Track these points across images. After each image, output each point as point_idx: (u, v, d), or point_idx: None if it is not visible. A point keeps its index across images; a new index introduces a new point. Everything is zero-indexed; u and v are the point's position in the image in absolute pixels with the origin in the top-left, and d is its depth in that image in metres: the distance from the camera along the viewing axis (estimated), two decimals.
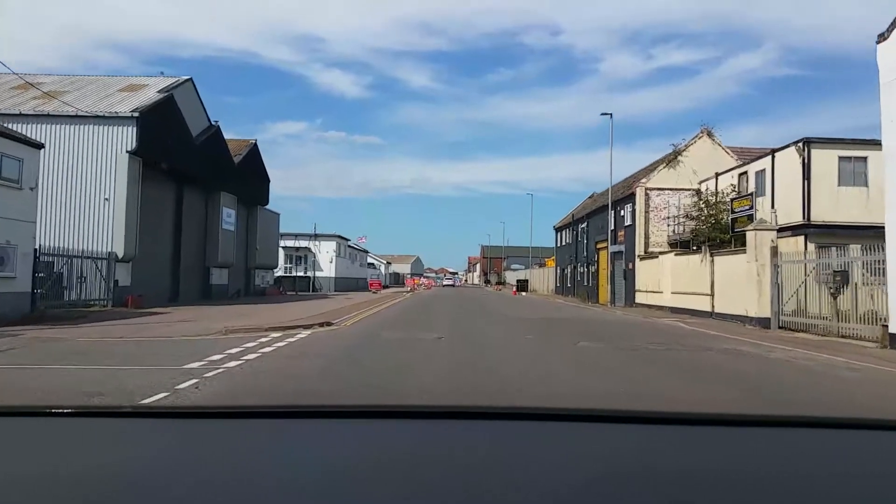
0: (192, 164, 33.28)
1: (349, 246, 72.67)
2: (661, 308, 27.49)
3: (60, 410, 1.65)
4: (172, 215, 33.34)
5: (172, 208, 33.43)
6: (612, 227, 34.91)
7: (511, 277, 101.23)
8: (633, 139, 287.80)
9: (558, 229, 54.73)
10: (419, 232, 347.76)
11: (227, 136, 38.97)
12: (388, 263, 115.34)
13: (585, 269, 42.70)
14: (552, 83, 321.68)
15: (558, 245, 54.61)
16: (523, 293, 60.62)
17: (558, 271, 54.09)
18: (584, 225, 43.30)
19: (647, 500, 1.10)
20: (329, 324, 17.57)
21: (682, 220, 29.92)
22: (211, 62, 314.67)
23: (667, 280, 27.24)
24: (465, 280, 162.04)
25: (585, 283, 42.61)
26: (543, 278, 63.36)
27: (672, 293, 26.57)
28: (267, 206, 47.70)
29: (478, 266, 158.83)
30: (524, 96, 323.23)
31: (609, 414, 1.62)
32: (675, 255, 26.66)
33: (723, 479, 1.21)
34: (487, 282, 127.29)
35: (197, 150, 33.69)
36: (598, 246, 39.43)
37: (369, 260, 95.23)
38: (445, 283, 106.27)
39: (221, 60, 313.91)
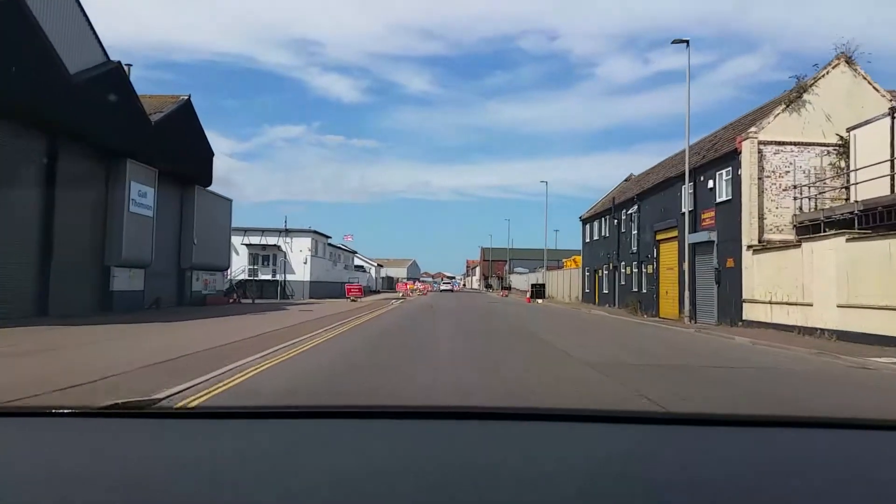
0: (68, 110, 22.18)
1: (330, 245, 61.40)
2: (809, 331, 16.35)
3: (61, 411, 1.65)
4: (38, 186, 22.16)
5: (38, 175, 22.26)
6: (691, 207, 23.80)
7: (517, 281, 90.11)
8: (631, 143, 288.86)
9: (586, 221, 43.45)
10: (416, 236, 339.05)
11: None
12: (380, 266, 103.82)
13: (636, 270, 31.53)
14: (550, 87, 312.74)
15: (587, 241, 43.32)
16: (539, 301, 49.40)
17: (587, 274, 42.82)
18: (632, 209, 32.09)
19: (648, 500, 1.09)
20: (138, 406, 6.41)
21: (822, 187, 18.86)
22: (209, 67, 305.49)
23: (826, 284, 16.09)
24: (464, 284, 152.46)
25: (635, 289, 31.43)
26: (563, 283, 52.04)
27: (840, 307, 15.42)
28: (212, 189, 36.54)
29: (477, 269, 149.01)
30: (522, 100, 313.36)
31: (610, 414, 1.63)
32: (849, 239, 15.47)
33: (725, 479, 1.20)
34: (488, 286, 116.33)
35: (78, 91, 22.54)
36: (660, 237, 28.30)
37: (357, 262, 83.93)
38: (443, 287, 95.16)
39: (219, 65, 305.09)
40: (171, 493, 1.12)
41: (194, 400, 6.72)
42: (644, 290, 29.97)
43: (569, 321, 25.39)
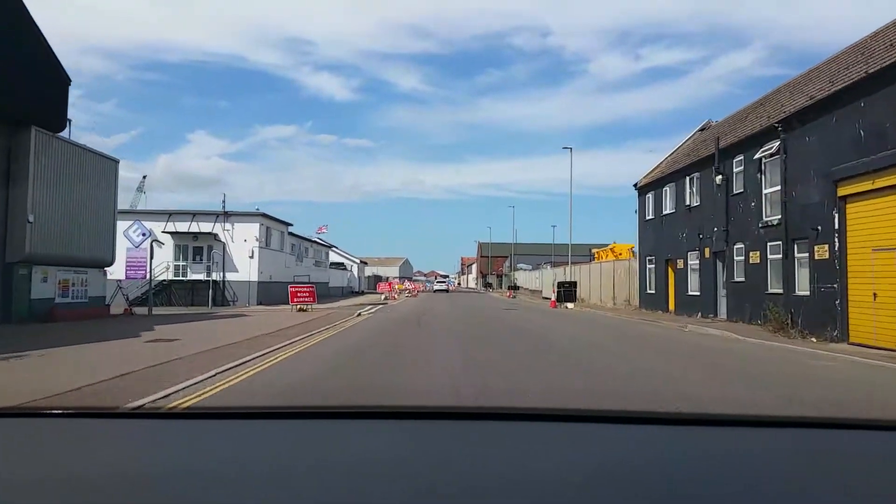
0: None
1: (294, 235, 48.02)
2: None
3: (57, 412, 1.61)
4: None
5: None
6: None
7: (523, 279, 76.95)
8: (622, 140, 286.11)
9: (646, 189, 30.04)
10: (409, 236, 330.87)
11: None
12: (363, 263, 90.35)
13: (777, 255, 18.34)
14: (543, 84, 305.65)
15: (647, 218, 29.93)
16: (569, 305, 36.25)
17: (649, 266, 29.53)
18: (765, 150, 18.72)
19: (648, 501, 1.08)
20: None
21: None
22: (200, 67, 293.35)
23: None
24: (459, 283, 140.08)
25: (774, 290, 18.22)
26: (600, 280, 38.62)
27: None
28: (78, 140, 23.19)
29: (473, 267, 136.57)
30: (515, 98, 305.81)
31: (610, 415, 1.59)
32: None
33: (723, 478, 1.18)
34: (488, 285, 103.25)
35: None
36: (848, 189, 14.98)
37: (335, 258, 70.56)
38: (437, 287, 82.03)
39: (211, 65, 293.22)
40: (167, 494, 1.10)
41: None
42: (804, 293, 16.77)
43: (696, 359, 12.29)
